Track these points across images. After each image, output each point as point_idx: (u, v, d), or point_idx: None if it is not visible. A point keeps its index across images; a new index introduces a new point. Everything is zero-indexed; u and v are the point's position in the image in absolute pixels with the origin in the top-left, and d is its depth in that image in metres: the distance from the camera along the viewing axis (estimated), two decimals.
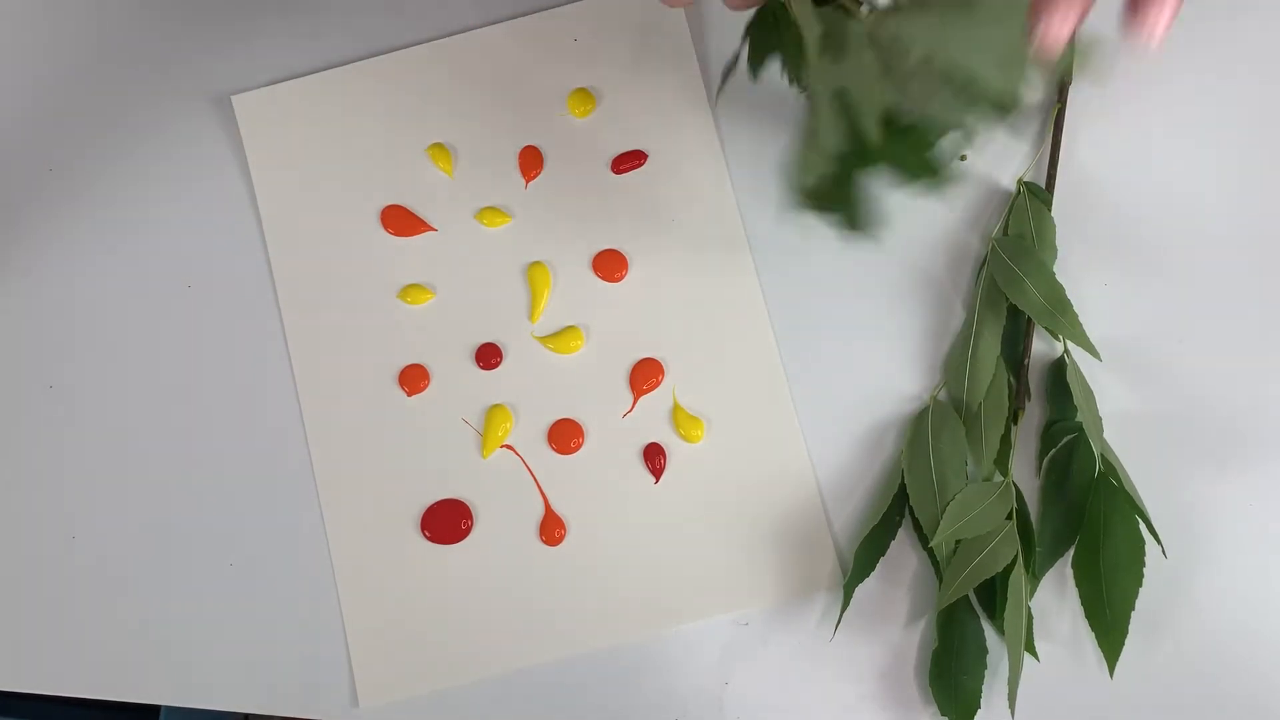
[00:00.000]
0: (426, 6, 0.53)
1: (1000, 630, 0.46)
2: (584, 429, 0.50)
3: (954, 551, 0.46)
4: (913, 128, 0.36)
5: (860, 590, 0.47)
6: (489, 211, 0.51)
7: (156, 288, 0.52)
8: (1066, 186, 0.50)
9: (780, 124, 0.51)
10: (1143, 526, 0.45)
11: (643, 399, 0.50)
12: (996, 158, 0.51)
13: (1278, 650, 0.47)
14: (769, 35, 0.44)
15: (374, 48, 0.52)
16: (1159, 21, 0.34)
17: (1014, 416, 0.48)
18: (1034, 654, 0.47)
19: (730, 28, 0.52)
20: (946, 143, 0.36)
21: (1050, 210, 0.49)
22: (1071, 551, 0.47)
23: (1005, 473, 0.47)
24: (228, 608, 0.49)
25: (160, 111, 0.53)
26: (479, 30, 0.52)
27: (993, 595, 0.46)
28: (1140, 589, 0.45)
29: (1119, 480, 0.45)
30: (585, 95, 0.52)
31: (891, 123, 0.36)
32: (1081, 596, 0.46)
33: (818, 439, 0.49)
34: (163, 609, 0.49)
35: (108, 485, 0.50)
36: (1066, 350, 0.48)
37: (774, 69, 0.44)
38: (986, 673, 0.46)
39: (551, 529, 0.49)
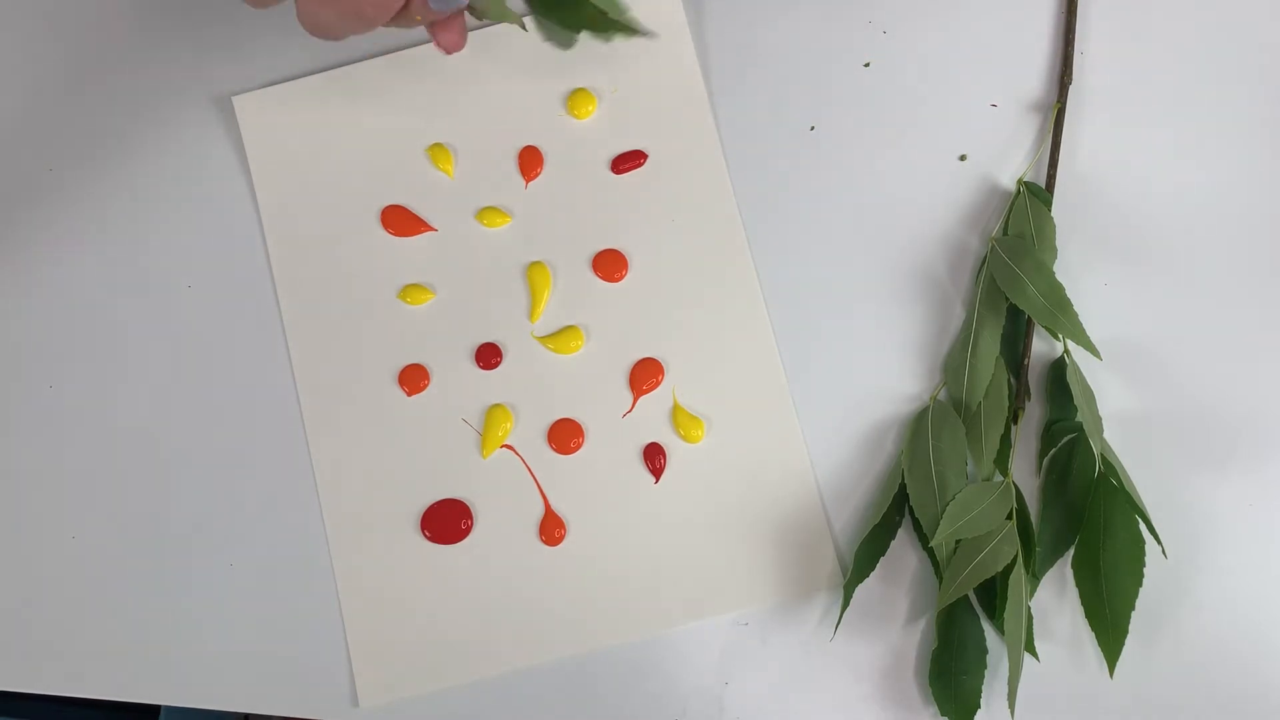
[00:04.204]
0: None
1: (1000, 630, 0.46)
2: (584, 429, 0.50)
3: (954, 551, 0.46)
4: None
5: (860, 590, 0.47)
6: (489, 211, 0.51)
7: (156, 288, 0.52)
8: (1066, 186, 0.50)
9: (781, 124, 0.51)
10: (1143, 526, 0.45)
11: (643, 399, 0.50)
12: (996, 158, 0.51)
13: (1277, 649, 0.47)
14: None
15: (374, 48, 0.52)
16: (452, 43, 0.43)
17: (1014, 416, 0.48)
18: (1034, 654, 0.47)
19: (731, 24, 0.52)
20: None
21: (1050, 210, 0.49)
22: (1071, 551, 0.47)
23: (1005, 473, 0.47)
24: (227, 607, 0.49)
25: (160, 112, 0.53)
26: (479, 30, 0.52)
27: (993, 595, 0.46)
28: (1140, 589, 0.45)
29: (1119, 480, 0.45)
30: (585, 95, 0.52)
31: None
32: (1081, 596, 0.46)
33: (818, 439, 0.49)
34: (163, 609, 0.49)
35: (108, 485, 0.50)
36: (1066, 350, 0.48)
37: None
38: (986, 673, 0.46)
39: (551, 529, 0.49)
